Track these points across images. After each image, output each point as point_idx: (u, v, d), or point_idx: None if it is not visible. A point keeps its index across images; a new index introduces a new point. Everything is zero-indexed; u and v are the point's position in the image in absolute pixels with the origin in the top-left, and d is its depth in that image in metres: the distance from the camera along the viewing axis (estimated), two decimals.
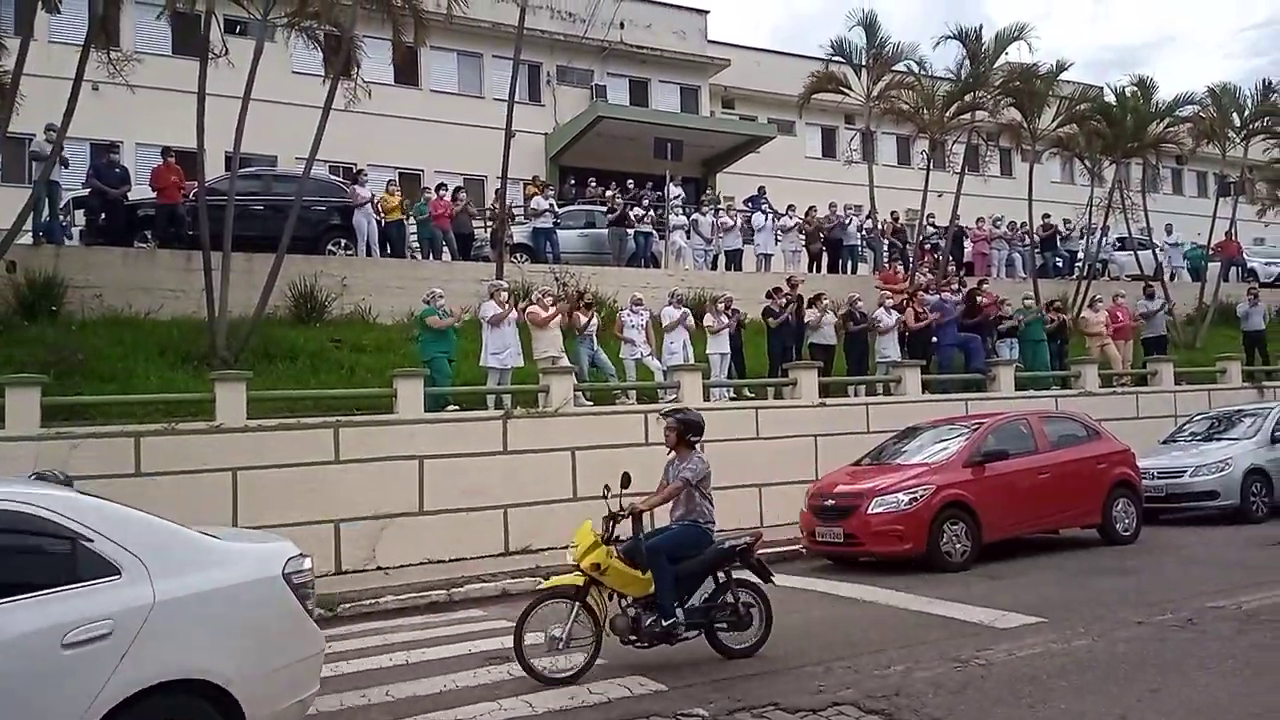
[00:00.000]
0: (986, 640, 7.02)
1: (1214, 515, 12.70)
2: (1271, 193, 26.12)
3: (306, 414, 11.09)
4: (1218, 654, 6.43)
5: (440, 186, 18.79)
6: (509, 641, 6.62)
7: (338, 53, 14.74)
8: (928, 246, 21.29)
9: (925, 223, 21.67)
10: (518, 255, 18.28)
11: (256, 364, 12.35)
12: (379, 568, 10.65)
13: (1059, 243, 23.51)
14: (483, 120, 23.67)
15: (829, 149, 30.91)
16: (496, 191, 17.66)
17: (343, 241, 16.84)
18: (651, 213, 20.51)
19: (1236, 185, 25.92)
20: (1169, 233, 25.98)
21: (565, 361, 12.79)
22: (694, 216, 20.61)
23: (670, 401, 12.90)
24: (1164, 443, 14.26)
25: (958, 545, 10.05)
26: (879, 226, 21.42)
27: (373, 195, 17.15)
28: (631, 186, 22.33)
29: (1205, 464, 12.89)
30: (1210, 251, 24.52)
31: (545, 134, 26.74)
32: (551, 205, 19.25)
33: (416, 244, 18.31)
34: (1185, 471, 12.95)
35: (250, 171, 17.24)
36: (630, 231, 19.53)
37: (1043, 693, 5.77)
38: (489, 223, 19.21)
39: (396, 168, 23.67)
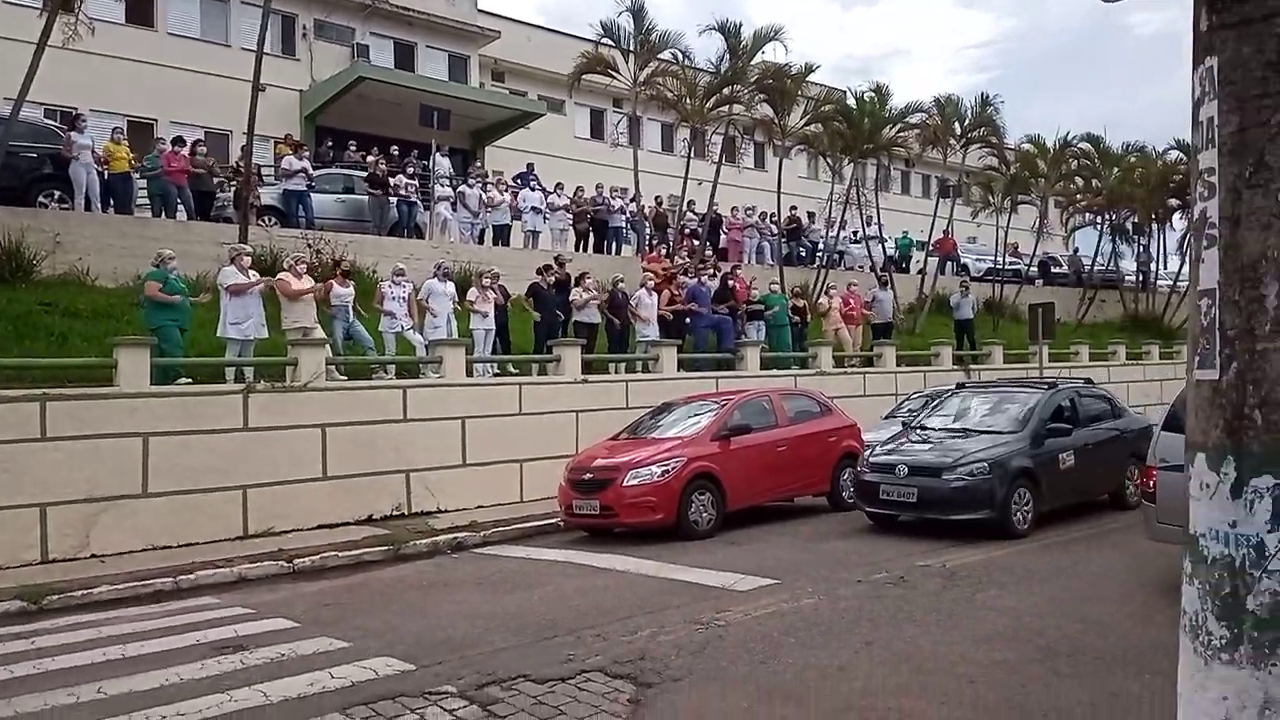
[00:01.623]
0: (726, 602, 7.45)
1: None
2: (984, 196, 29.46)
3: (6, 385, 9.78)
4: (924, 608, 7.21)
5: (177, 139, 17.18)
6: (243, 629, 6.22)
7: None
8: (687, 232, 22.15)
9: (685, 209, 22.52)
10: (265, 218, 17.10)
11: None
12: (94, 555, 9.62)
13: (803, 233, 25.28)
14: (229, 70, 21.94)
15: (598, 130, 31.31)
16: (242, 148, 16.37)
17: (56, 194, 14.96)
18: (416, 182, 19.86)
19: (955, 188, 29.00)
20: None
21: (319, 333, 12.14)
22: (461, 189, 20.17)
23: (432, 377, 12.62)
24: (885, 418, 15.34)
25: (704, 515, 10.59)
26: (643, 210, 21.99)
27: (93, 144, 15.35)
28: (395, 153, 21.52)
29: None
30: (930, 248, 27.31)
31: (300, 91, 25.13)
32: (305, 167, 18.15)
33: (147, 200, 16.63)
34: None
35: None
36: (393, 200, 18.82)
37: (773, 649, 6.21)
38: (232, 181, 17.79)
39: (126, 115, 21.41)
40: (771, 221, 24.00)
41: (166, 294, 11.06)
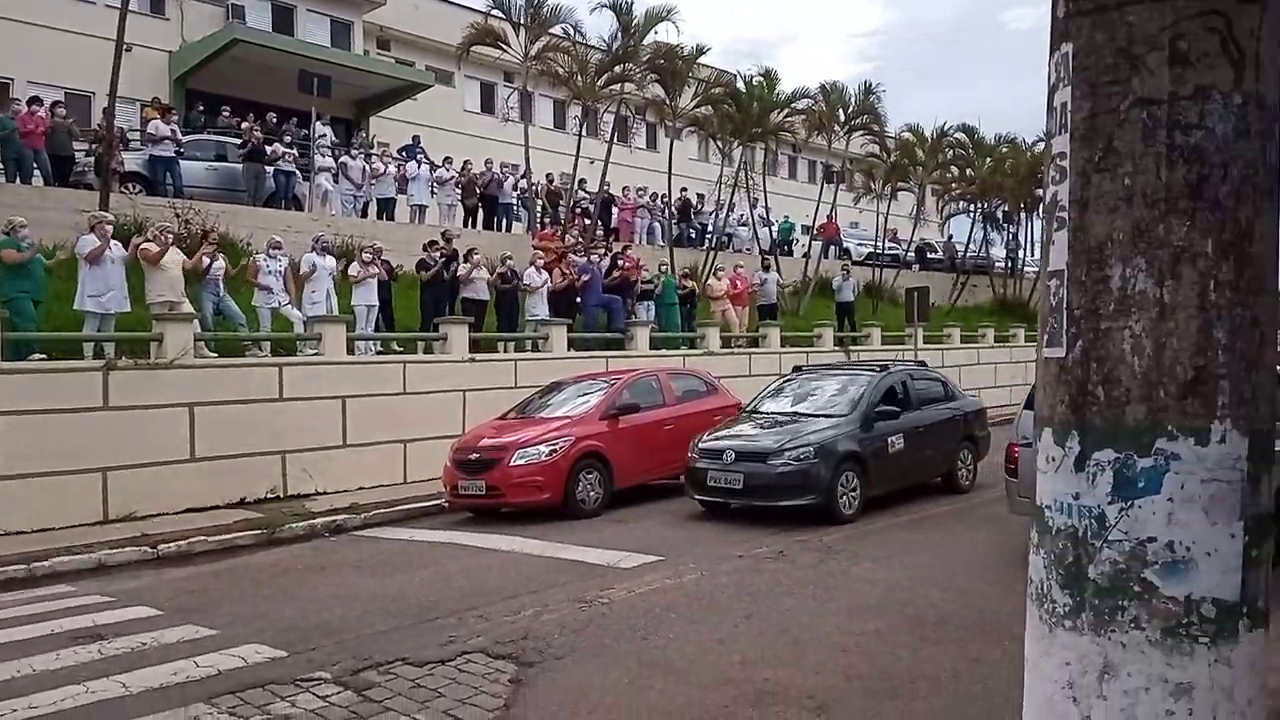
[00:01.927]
0: (610, 580, 7.49)
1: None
2: (866, 183, 30.33)
3: None
4: (801, 581, 7.42)
5: (34, 100, 15.95)
6: (102, 618, 5.88)
7: None
8: (579, 211, 22.02)
9: (577, 187, 22.38)
10: (130, 185, 16.10)
11: None
12: None
13: (693, 215, 25.50)
14: (91, 28, 20.50)
15: (488, 105, 30.72)
16: (105, 111, 15.34)
17: None
18: (294, 151, 19.05)
19: (838, 174, 29.76)
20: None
21: (187, 307, 11.52)
22: (343, 159, 19.47)
23: (310, 355, 12.18)
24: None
25: (592, 493, 10.61)
26: (534, 187, 21.74)
27: None
28: (273, 120, 20.59)
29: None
30: (814, 232, 27.98)
31: (170, 52, 23.72)
32: (174, 132, 17.17)
33: (0, 164, 15.42)
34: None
35: None
36: (269, 169, 18.00)
37: (655, 624, 6.28)
38: (94, 146, 16.67)
39: None
40: (663, 202, 24.11)
41: (16, 253, 10.26)
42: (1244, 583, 1.36)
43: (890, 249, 30.81)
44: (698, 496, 10.34)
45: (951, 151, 29.99)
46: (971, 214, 32.71)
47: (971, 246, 32.77)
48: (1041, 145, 24.40)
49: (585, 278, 16.52)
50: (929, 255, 33.42)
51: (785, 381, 12.14)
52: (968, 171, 30.70)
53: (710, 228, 25.43)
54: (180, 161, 17.01)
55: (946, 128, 29.10)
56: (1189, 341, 1.36)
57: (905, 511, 10.31)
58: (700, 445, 10.39)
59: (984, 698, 4.81)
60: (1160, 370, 1.37)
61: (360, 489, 11.87)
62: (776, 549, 8.54)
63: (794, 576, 7.57)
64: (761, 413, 11.23)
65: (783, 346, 19.31)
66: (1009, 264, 34.45)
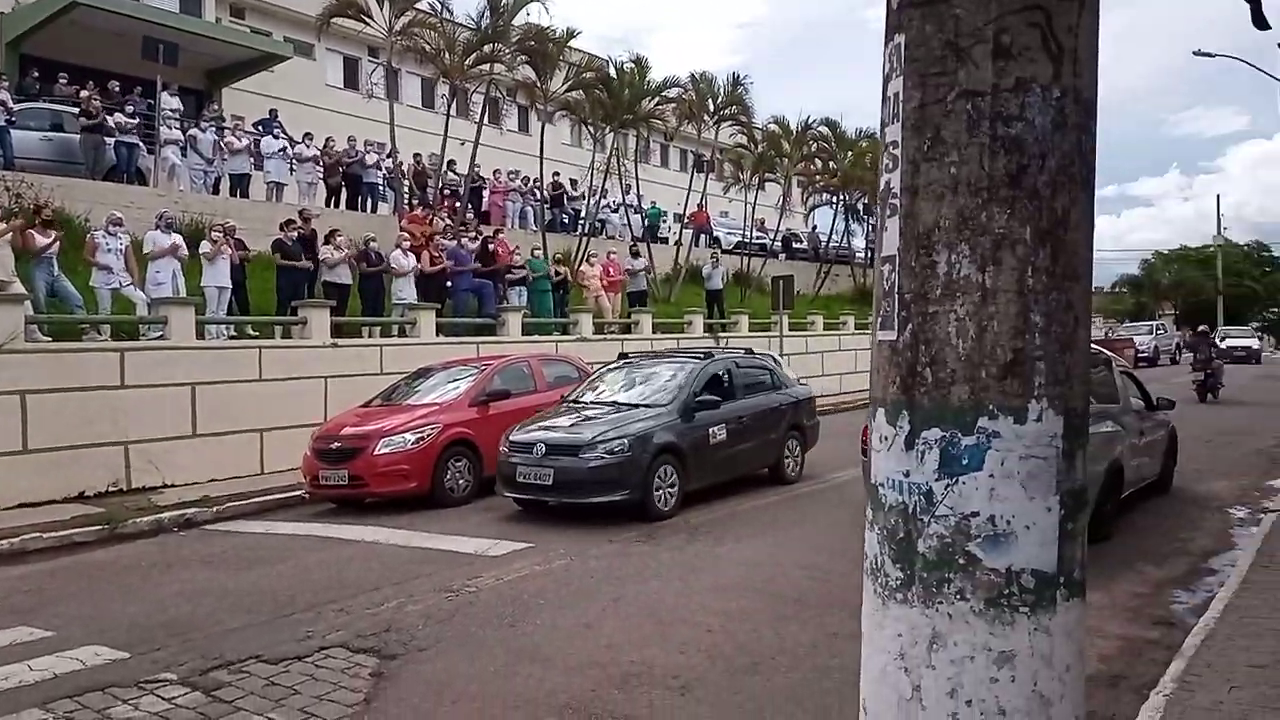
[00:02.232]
0: (478, 568, 7.39)
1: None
2: (734, 173, 30.90)
3: None
4: (669, 563, 7.52)
5: None
6: None
7: None
8: (448, 193, 21.54)
9: (446, 169, 21.87)
10: None
11: None
12: None
13: (566, 201, 25.37)
14: None
15: (351, 80, 29.58)
16: None
17: None
18: (137, 121, 17.83)
19: (708, 163, 30.20)
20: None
21: (18, 287, 10.63)
22: (192, 132, 18.36)
23: (155, 339, 11.46)
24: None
25: (461, 481, 10.44)
26: (400, 167, 21.12)
27: None
28: (115, 89, 19.19)
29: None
30: (685, 220, 28.32)
31: (1, 14, 21.76)
32: (5, 100, 15.80)
33: None
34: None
35: None
36: (110, 141, 16.80)
37: (524, 611, 6.24)
38: None
39: None
40: (535, 187, 23.87)
41: None
42: (1060, 554, 1.44)
43: (758, 238, 31.53)
44: (508, 494, 9.63)
45: (815, 144, 30.90)
46: (834, 206, 33.84)
47: (834, 237, 33.91)
48: None
49: (454, 262, 16.17)
50: (795, 245, 34.39)
51: (609, 370, 11.48)
52: (830, 164, 31.71)
53: (583, 214, 25.35)
54: (11, 131, 15.70)
55: (811, 121, 29.98)
56: (1008, 325, 1.42)
57: (731, 505, 9.90)
58: (511, 438, 9.69)
59: (840, 671, 5.00)
60: (982, 352, 1.43)
61: (213, 481, 11.30)
62: (645, 532, 8.63)
63: (661, 559, 7.67)
64: (581, 403, 10.57)
65: (654, 333, 19.48)
66: (869, 254, 35.84)
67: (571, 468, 9.11)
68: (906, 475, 1.49)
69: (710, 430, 10.04)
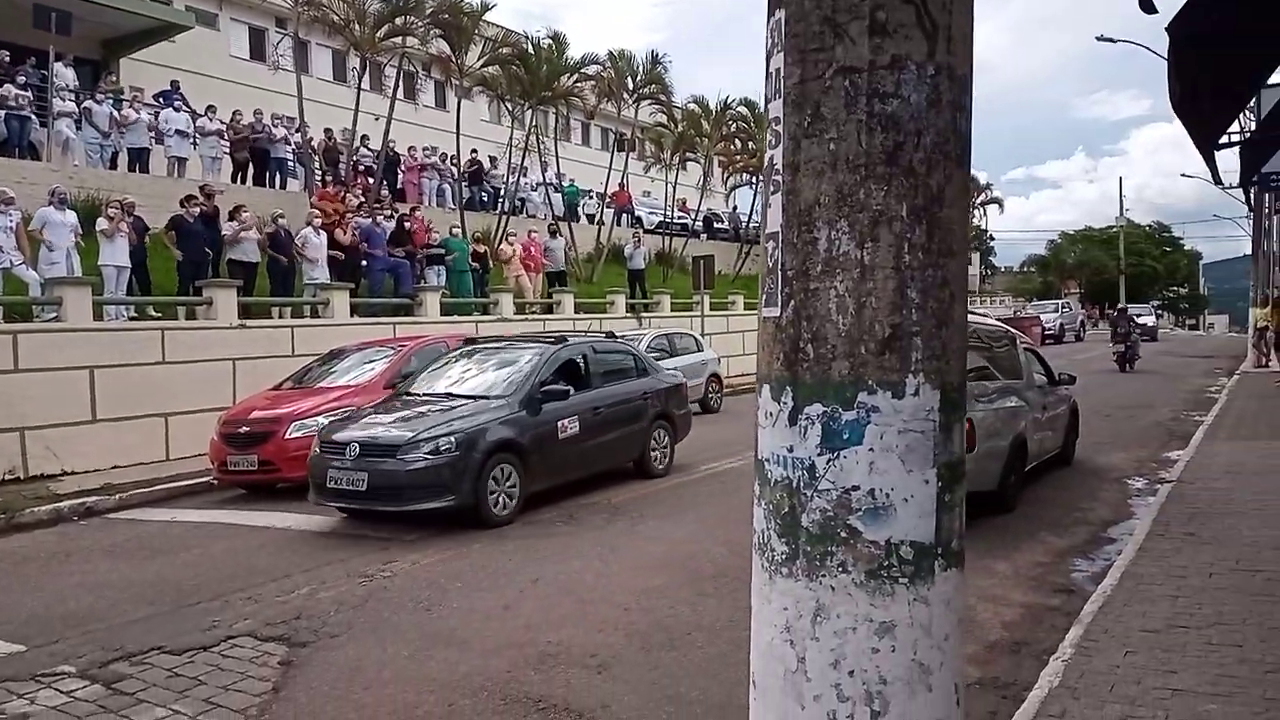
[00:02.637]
0: (394, 554, 7.28)
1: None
2: (655, 152, 30.88)
3: None
4: (589, 542, 7.53)
5: None
6: None
7: None
8: (361, 169, 21.01)
9: (358, 144, 21.31)
10: None
11: None
12: None
13: (485, 179, 24.99)
14: None
15: (258, 52, 28.49)
16: None
17: None
18: (29, 94, 16.89)
19: (629, 142, 30.11)
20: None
21: None
22: (87, 104, 17.47)
23: (50, 321, 10.93)
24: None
25: None
26: (310, 142, 20.49)
27: None
28: (5, 60, 18.11)
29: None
30: (607, 200, 28.23)
31: None
32: None
33: None
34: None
35: None
36: (0, 114, 15.91)
37: (440, 595, 6.17)
38: None
39: None
40: (452, 164, 23.44)
41: None
42: (938, 525, 1.48)
43: (680, 218, 31.62)
44: (318, 500, 8.36)
45: (735, 125, 31.07)
46: (754, 186, 34.14)
47: (755, 217, 34.24)
48: None
49: (368, 241, 15.80)
50: (716, 225, 34.62)
51: (451, 357, 10.32)
52: (750, 144, 31.94)
53: (502, 192, 25.04)
54: None
55: (730, 101, 30.12)
56: (886, 301, 1.44)
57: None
58: (323, 437, 8.59)
59: None
60: (861, 328, 1.45)
61: (115, 468, 10.86)
62: (566, 513, 8.62)
63: (582, 538, 7.67)
64: (412, 396, 9.42)
65: (576, 313, 19.41)
66: None
67: (389, 471, 7.94)
68: (790, 450, 1.50)
69: (560, 423, 8.99)
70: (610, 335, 11.27)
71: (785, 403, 1.51)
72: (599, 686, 4.66)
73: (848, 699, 1.45)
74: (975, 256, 63.71)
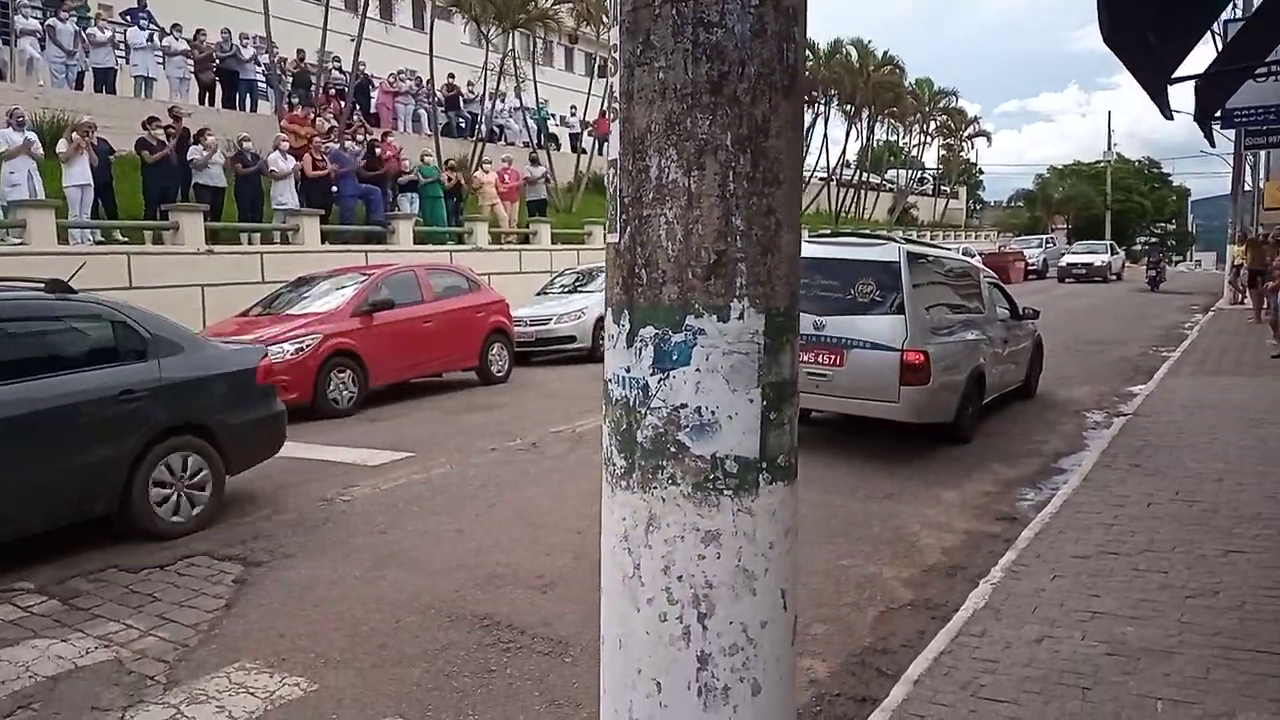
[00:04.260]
0: (355, 478, 7.40)
1: (575, 356, 14.28)
2: None
3: None
4: (549, 469, 7.66)
5: None
6: None
7: None
8: (333, 92, 20.60)
9: (330, 66, 20.85)
10: None
11: None
12: None
13: (462, 104, 24.56)
14: None
15: None
16: None
17: None
18: None
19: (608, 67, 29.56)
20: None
21: None
22: (51, 22, 17.00)
23: (14, 244, 10.83)
24: (539, 295, 15.98)
25: (344, 392, 10.32)
26: (280, 63, 20.01)
27: None
28: None
29: (565, 313, 14.41)
30: (589, 127, 27.83)
31: None
32: None
33: None
34: (550, 319, 14.39)
35: None
36: None
37: (396, 518, 6.31)
38: None
39: None
40: (430, 88, 23.00)
41: None
42: (763, 442, 1.56)
43: None
44: None
45: None
46: None
47: None
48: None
49: (338, 166, 15.60)
50: None
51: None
52: None
53: (479, 118, 24.65)
54: None
55: None
56: (711, 228, 1.50)
57: None
58: None
59: None
60: (689, 254, 1.50)
61: None
62: (530, 441, 8.74)
63: (542, 466, 7.81)
64: None
65: (554, 244, 19.34)
66: None
67: None
68: (628, 371, 1.57)
69: None
70: (55, 286, 5.94)
71: (623, 325, 1.57)
72: (542, 605, 4.82)
73: (677, 602, 1.55)
74: (962, 191, 63.42)
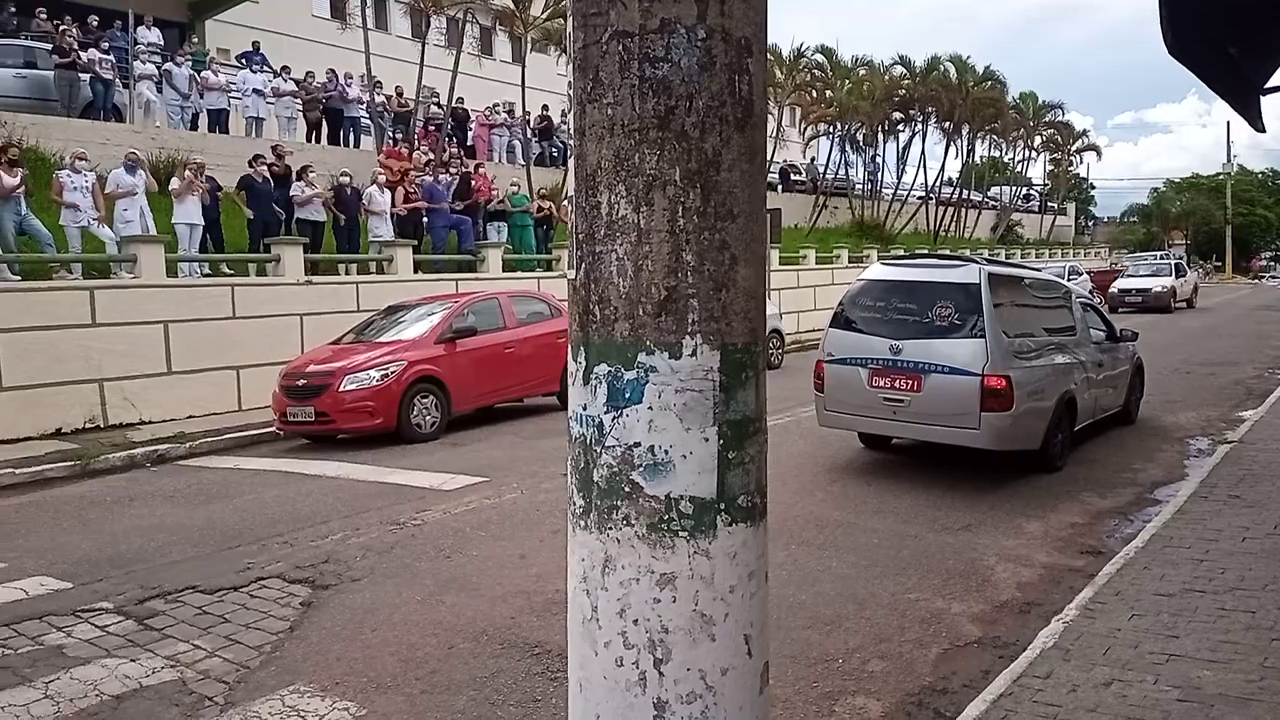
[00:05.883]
0: (429, 502, 7.55)
1: None
2: None
3: None
4: None
5: None
6: None
7: None
8: (431, 127, 21.30)
9: (428, 101, 21.58)
10: None
11: None
12: None
13: (555, 133, 25.02)
14: None
15: (339, 10, 29.03)
16: None
17: None
18: (112, 57, 17.61)
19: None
20: None
21: None
22: (167, 67, 18.14)
23: (126, 278, 11.52)
24: None
25: (428, 417, 10.56)
26: (376, 100, 20.81)
27: None
28: (94, 24, 18.92)
29: None
30: None
31: None
32: None
33: None
34: None
35: None
36: (85, 77, 16.65)
37: (462, 543, 6.39)
38: None
39: None
40: (525, 119, 23.54)
41: None
42: (721, 482, 1.50)
43: None
44: None
45: (810, 73, 30.32)
46: (831, 136, 33.36)
47: (832, 169, 33.49)
48: (897, 69, 24.92)
49: (430, 197, 16.08)
50: (793, 177, 34.00)
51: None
52: (828, 93, 31.16)
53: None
54: None
55: (804, 48, 29.40)
56: (662, 264, 1.46)
57: None
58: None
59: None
60: (639, 291, 1.47)
61: (190, 417, 11.48)
62: None
63: None
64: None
65: None
66: (868, 186, 35.45)
67: None
68: (585, 409, 1.55)
69: None
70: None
71: (580, 362, 1.55)
72: None
73: (633, 646, 1.50)
74: (1071, 207, 61.04)
